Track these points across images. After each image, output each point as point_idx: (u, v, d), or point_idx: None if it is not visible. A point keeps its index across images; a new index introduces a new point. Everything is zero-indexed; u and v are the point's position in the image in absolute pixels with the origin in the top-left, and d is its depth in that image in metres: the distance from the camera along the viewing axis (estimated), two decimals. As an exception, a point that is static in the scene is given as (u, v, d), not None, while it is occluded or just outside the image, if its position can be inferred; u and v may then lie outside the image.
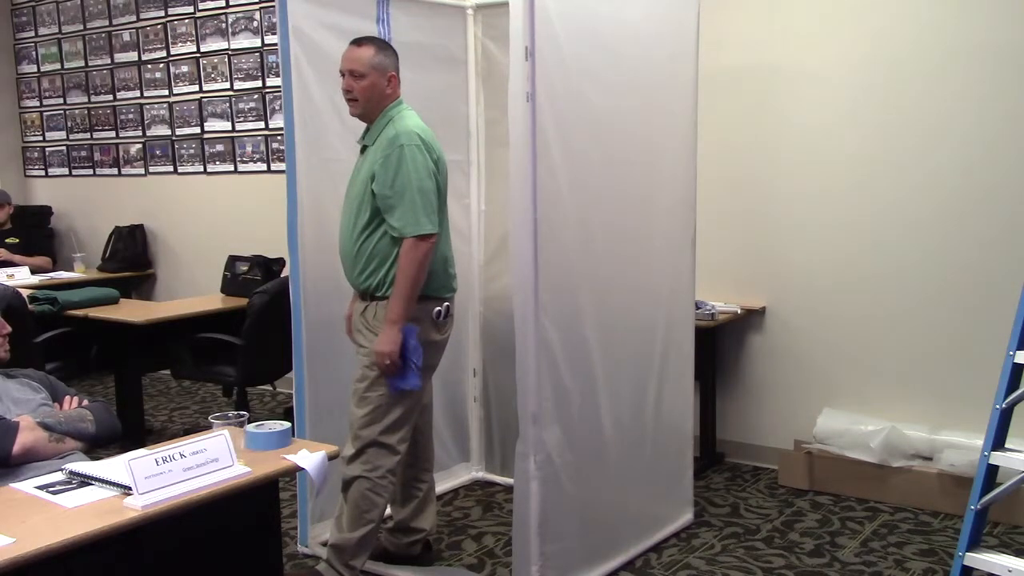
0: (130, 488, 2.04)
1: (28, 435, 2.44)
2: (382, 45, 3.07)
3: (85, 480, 2.19)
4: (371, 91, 3.01)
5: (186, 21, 6.32)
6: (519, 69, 2.79)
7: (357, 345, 3.11)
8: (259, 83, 5.99)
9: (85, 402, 2.74)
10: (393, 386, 2.98)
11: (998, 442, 2.65)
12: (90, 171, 7.15)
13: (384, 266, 2.99)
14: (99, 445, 2.66)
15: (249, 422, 2.49)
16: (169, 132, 6.55)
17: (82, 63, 7.05)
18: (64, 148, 7.30)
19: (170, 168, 6.59)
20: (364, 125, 3.10)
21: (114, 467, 2.22)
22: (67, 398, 2.73)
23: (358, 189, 3.03)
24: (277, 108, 5.81)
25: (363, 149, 3.09)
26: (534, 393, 2.91)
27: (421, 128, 3.00)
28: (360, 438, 3.04)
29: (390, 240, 2.97)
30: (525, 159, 2.82)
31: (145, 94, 6.67)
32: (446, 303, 3.09)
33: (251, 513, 2.41)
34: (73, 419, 2.59)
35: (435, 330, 3.07)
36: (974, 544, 2.65)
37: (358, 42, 3.06)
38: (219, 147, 6.27)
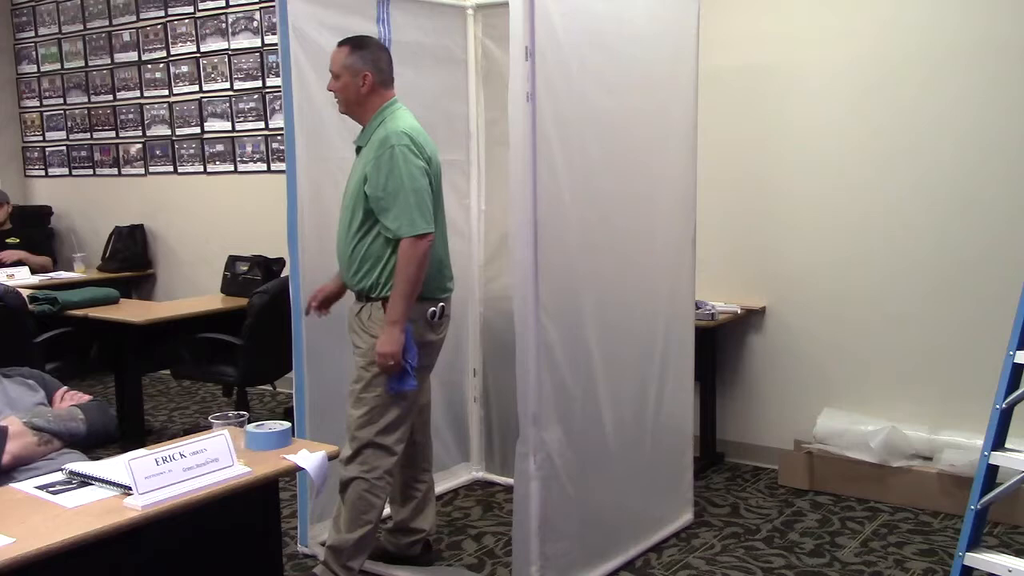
0: (130, 488, 2.04)
1: (16, 443, 2.43)
2: (360, 45, 3.05)
3: (85, 480, 2.19)
4: (345, 91, 3.04)
5: (186, 21, 6.32)
6: (519, 69, 2.79)
7: (353, 347, 3.11)
8: (259, 83, 5.99)
9: (78, 396, 2.73)
10: (389, 387, 2.98)
11: (998, 442, 2.65)
12: (90, 171, 7.15)
13: (378, 267, 2.99)
14: (93, 444, 2.65)
15: (249, 422, 2.49)
16: (169, 132, 6.55)
17: (82, 63, 7.05)
18: (64, 148, 7.30)
19: (170, 168, 6.59)
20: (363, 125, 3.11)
21: (114, 467, 2.21)
22: (59, 393, 2.72)
23: (352, 191, 3.03)
24: (277, 108, 5.81)
25: (358, 150, 3.09)
26: (534, 393, 2.91)
27: (412, 128, 2.99)
28: (357, 439, 3.04)
29: (383, 241, 2.97)
30: (525, 159, 2.82)
31: (145, 94, 6.67)
32: (441, 304, 3.08)
33: (251, 513, 2.41)
34: (63, 418, 2.57)
35: (430, 331, 3.07)
36: (974, 544, 2.65)
37: (340, 42, 3.08)
38: (219, 147, 6.27)
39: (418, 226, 2.90)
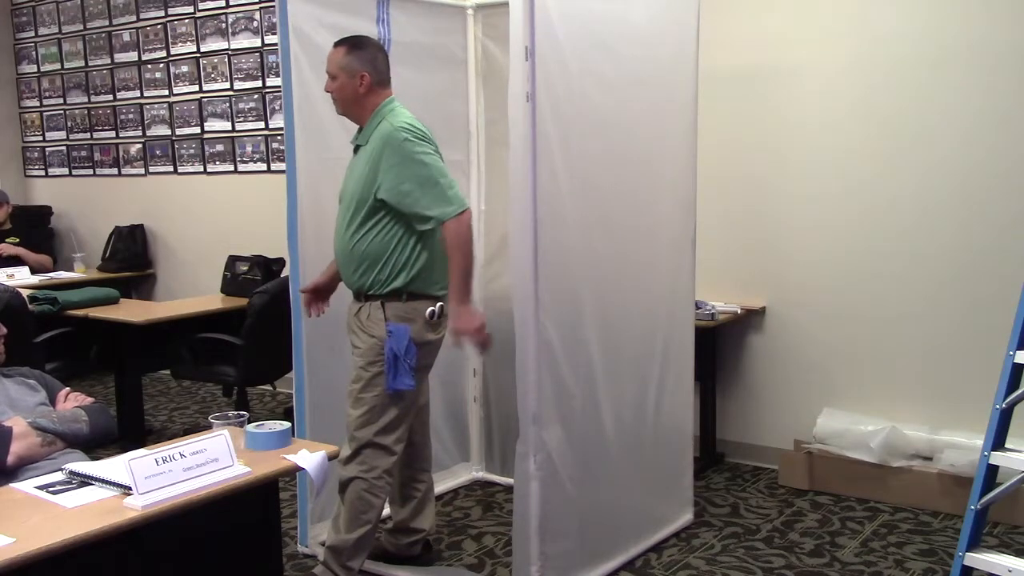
0: (130, 488, 2.04)
1: (21, 443, 2.44)
2: (357, 45, 3.05)
3: (85, 480, 2.19)
4: (342, 92, 3.04)
5: (186, 21, 6.32)
6: (519, 69, 2.79)
7: (352, 347, 3.11)
8: (259, 83, 5.99)
9: (81, 397, 2.74)
10: (388, 386, 2.98)
11: (998, 442, 2.65)
12: (90, 171, 7.15)
13: (377, 265, 2.99)
14: (93, 446, 2.66)
15: (249, 422, 2.49)
16: (169, 132, 6.55)
17: (82, 63, 7.05)
18: (64, 148, 7.30)
19: (170, 168, 6.59)
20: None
21: (114, 467, 2.21)
22: (61, 394, 2.73)
23: (353, 189, 3.03)
24: (277, 108, 5.81)
25: (356, 149, 3.09)
26: (534, 393, 2.91)
27: (414, 120, 3.01)
28: (356, 439, 3.04)
29: (384, 240, 2.97)
30: (525, 159, 2.82)
31: (145, 94, 6.67)
32: (440, 303, 3.08)
33: (251, 513, 2.41)
34: (67, 419, 2.58)
35: (429, 330, 3.07)
36: (974, 544, 2.65)
37: (336, 43, 3.08)
38: (219, 147, 6.27)
39: (456, 204, 2.92)
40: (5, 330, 2.71)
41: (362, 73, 3.01)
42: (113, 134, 6.94)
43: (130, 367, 4.97)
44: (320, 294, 3.30)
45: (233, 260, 5.51)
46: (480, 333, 2.96)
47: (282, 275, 5.01)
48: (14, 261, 6.16)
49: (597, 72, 3.08)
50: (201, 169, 6.40)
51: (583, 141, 3.04)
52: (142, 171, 6.78)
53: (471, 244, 2.95)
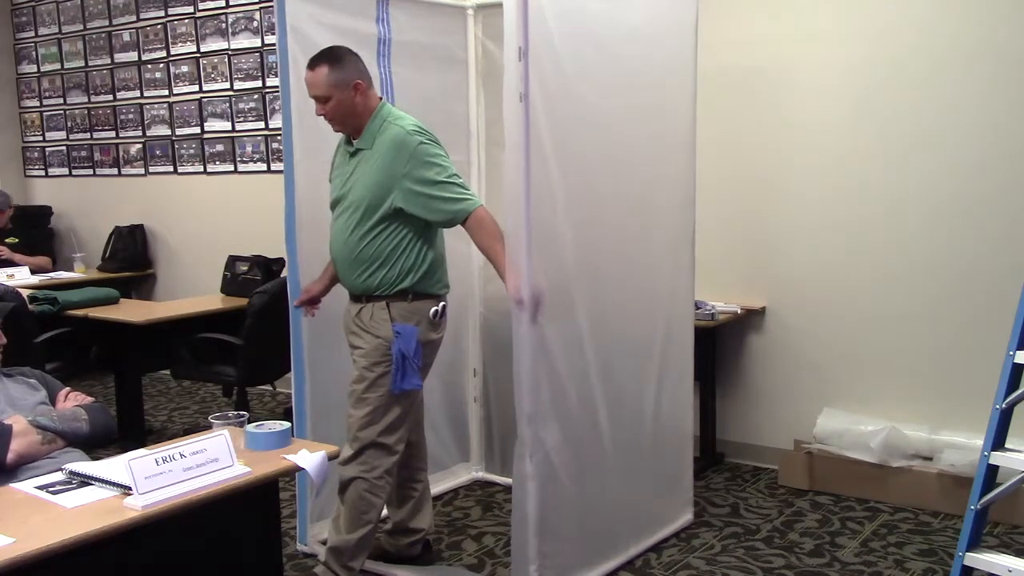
0: (130, 488, 2.04)
1: (21, 441, 2.44)
2: (337, 59, 2.98)
3: (85, 480, 2.19)
4: (340, 108, 2.99)
5: (186, 21, 6.32)
6: (513, 69, 2.78)
7: (352, 347, 3.11)
8: (259, 83, 5.99)
9: (81, 396, 2.74)
10: (395, 387, 2.98)
11: (998, 442, 2.65)
12: (90, 171, 7.15)
13: (385, 267, 2.99)
14: (93, 445, 2.66)
15: (249, 422, 2.49)
16: (169, 132, 6.55)
17: (82, 63, 7.06)
18: (64, 148, 7.31)
19: (170, 168, 6.59)
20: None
21: (114, 467, 2.22)
22: (62, 393, 2.73)
23: (358, 192, 3.01)
24: (277, 108, 5.80)
25: (354, 152, 3.07)
26: (530, 393, 2.91)
27: (418, 121, 3.02)
28: (359, 439, 3.04)
29: (394, 241, 2.97)
30: (519, 160, 2.81)
31: (145, 94, 6.67)
32: (442, 303, 3.09)
33: (251, 513, 2.41)
34: (67, 418, 2.58)
35: (432, 330, 3.07)
36: (974, 544, 2.65)
37: (311, 65, 2.99)
38: (219, 147, 6.27)
39: (473, 198, 2.96)
40: (5, 340, 2.71)
41: (356, 81, 2.99)
42: (113, 134, 6.94)
43: (130, 367, 4.97)
44: (313, 301, 3.33)
45: (233, 260, 5.51)
46: (537, 295, 2.89)
47: (282, 275, 5.01)
48: (12, 262, 6.15)
49: (593, 72, 3.08)
50: (201, 169, 6.40)
51: (579, 141, 3.04)
52: (142, 171, 6.78)
53: (499, 228, 2.94)
